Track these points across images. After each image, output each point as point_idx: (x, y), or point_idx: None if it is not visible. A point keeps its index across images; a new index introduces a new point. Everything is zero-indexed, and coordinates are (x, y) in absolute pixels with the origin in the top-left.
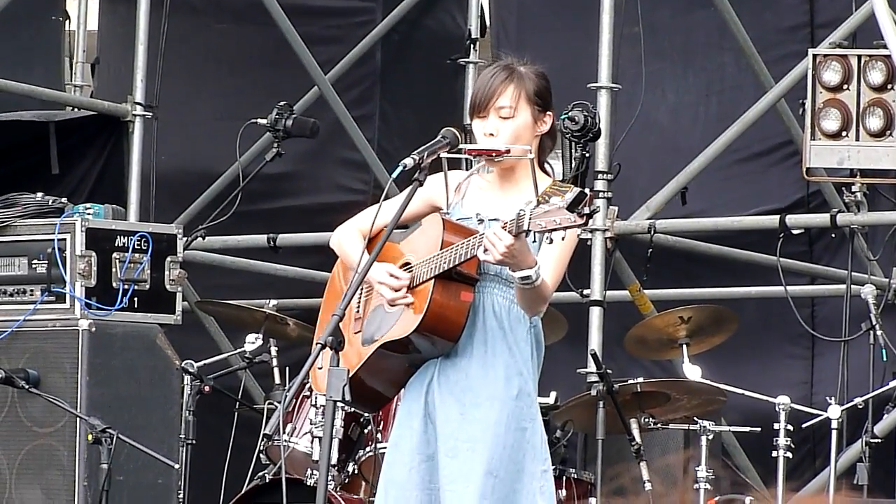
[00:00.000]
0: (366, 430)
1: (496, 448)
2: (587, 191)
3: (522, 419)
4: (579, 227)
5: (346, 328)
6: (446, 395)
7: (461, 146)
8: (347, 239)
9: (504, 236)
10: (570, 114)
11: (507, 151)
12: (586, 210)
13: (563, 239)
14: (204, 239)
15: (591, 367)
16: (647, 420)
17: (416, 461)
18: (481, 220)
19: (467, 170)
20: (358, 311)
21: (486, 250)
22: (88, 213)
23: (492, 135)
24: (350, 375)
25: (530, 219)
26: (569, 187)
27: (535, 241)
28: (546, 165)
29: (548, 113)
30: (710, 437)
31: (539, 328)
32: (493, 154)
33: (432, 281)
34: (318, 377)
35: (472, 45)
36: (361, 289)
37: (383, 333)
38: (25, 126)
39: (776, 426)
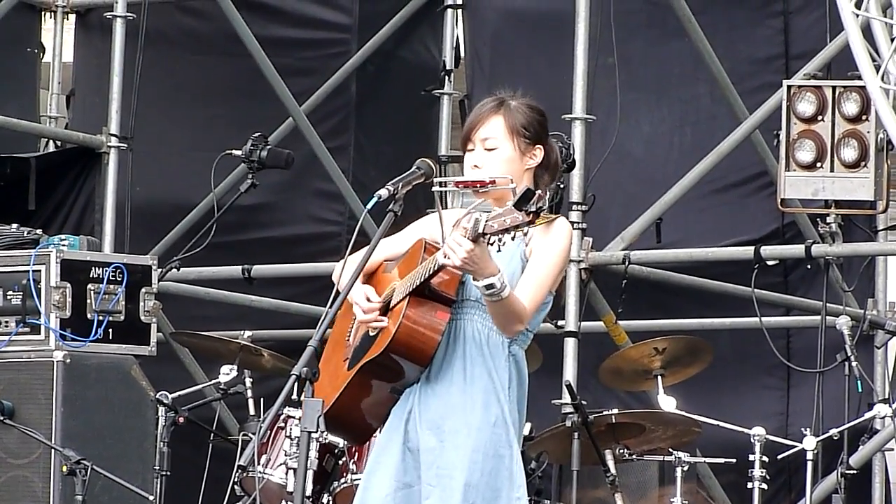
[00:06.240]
0: (340, 462)
1: (473, 475)
2: (535, 189)
3: (500, 446)
4: (527, 226)
5: (337, 354)
6: (426, 423)
7: (443, 179)
8: (345, 272)
9: (463, 242)
10: None
11: (492, 182)
12: (533, 208)
13: (519, 241)
14: (179, 270)
15: (566, 398)
16: (621, 451)
17: (392, 488)
18: None
19: (442, 203)
20: (348, 338)
21: (445, 255)
22: (63, 245)
23: (477, 167)
24: (335, 400)
25: (486, 222)
26: (555, 217)
27: (519, 259)
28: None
29: (538, 146)
30: (686, 468)
31: (520, 358)
32: (478, 185)
33: (406, 299)
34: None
35: (446, 77)
36: (354, 316)
37: (364, 356)
38: (1, 161)
39: (751, 457)
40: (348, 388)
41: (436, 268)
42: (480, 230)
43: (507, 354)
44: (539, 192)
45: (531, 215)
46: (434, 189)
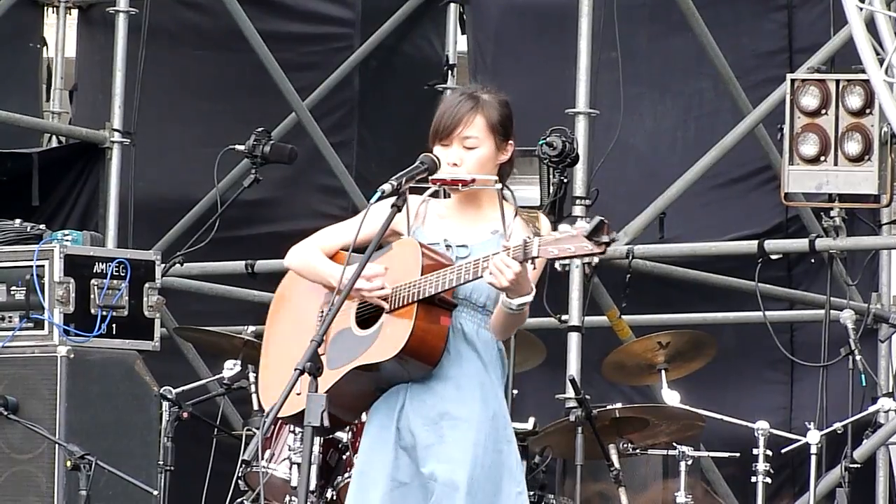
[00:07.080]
0: (344, 457)
1: (475, 469)
2: (605, 219)
3: (499, 440)
4: (596, 256)
5: (288, 349)
6: (420, 420)
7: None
8: (314, 257)
9: (511, 264)
10: (547, 139)
11: (473, 181)
12: (605, 238)
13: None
14: (182, 265)
15: (570, 392)
16: (625, 446)
17: (388, 487)
18: (448, 246)
19: (443, 198)
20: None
21: (491, 274)
22: (66, 240)
23: (455, 164)
24: None
25: (539, 246)
26: (536, 214)
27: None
28: (506, 191)
29: (509, 142)
30: (689, 462)
31: (503, 351)
32: (460, 184)
33: (416, 304)
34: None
35: (449, 71)
36: (322, 311)
37: (356, 356)
38: (4, 157)
39: (755, 451)
40: (334, 387)
41: (462, 281)
42: (533, 254)
43: (497, 349)
44: (607, 221)
45: (602, 246)
46: (405, 187)
